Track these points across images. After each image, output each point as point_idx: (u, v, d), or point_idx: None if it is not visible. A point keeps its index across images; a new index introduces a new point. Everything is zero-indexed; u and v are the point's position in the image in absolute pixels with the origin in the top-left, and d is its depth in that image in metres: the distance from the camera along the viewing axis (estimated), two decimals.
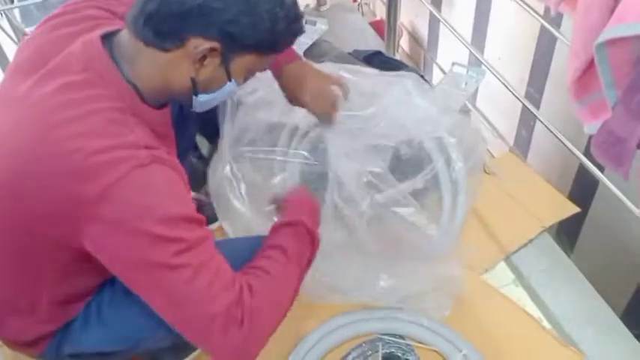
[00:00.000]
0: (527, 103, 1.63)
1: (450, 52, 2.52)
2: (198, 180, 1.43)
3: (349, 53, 1.79)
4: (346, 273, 1.38)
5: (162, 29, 0.88)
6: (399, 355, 1.35)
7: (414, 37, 2.88)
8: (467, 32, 2.32)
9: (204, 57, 0.90)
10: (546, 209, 1.68)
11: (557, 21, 1.66)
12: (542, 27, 1.63)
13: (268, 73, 1.28)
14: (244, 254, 1.04)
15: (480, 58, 1.70)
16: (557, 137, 1.49)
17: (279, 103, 1.35)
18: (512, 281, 1.54)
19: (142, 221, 0.84)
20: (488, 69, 1.63)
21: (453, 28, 1.83)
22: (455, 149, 1.32)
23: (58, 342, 1.08)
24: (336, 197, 1.27)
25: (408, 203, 1.27)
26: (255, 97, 1.40)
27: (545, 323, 1.44)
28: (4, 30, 2.02)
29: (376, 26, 2.53)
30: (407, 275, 1.41)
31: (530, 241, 1.61)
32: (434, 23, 2.64)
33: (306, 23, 1.82)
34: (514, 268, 1.57)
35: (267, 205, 1.25)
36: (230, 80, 0.96)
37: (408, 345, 1.36)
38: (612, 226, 1.83)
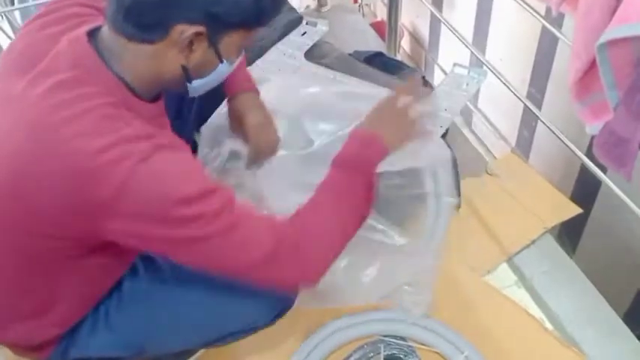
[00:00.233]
0: (528, 104, 1.63)
1: (451, 53, 2.52)
2: None
3: (350, 54, 1.78)
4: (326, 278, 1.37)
5: (144, 21, 0.86)
6: (401, 356, 1.34)
7: (415, 38, 2.88)
8: (468, 33, 2.31)
9: (191, 42, 0.88)
10: (548, 210, 1.67)
11: (558, 21, 1.66)
12: (544, 27, 1.62)
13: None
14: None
15: (482, 59, 1.70)
16: (559, 138, 1.49)
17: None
18: (514, 282, 1.53)
19: (161, 209, 0.86)
20: (489, 70, 1.63)
21: (454, 28, 1.83)
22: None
23: (64, 347, 1.07)
24: None
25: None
26: None
27: (548, 324, 1.44)
28: (4, 32, 2.02)
29: (377, 27, 2.53)
30: (384, 272, 1.40)
31: (533, 242, 1.61)
32: (435, 24, 2.64)
33: (306, 24, 1.83)
34: (516, 270, 1.56)
35: None
36: (222, 61, 0.95)
37: (409, 347, 1.36)
38: (615, 227, 1.82)
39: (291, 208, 1.02)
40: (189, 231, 0.88)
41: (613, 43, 0.94)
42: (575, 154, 1.46)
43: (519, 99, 1.64)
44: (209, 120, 1.39)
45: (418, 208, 1.44)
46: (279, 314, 1.16)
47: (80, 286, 1.03)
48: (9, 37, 2.03)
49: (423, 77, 1.71)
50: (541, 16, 1.52)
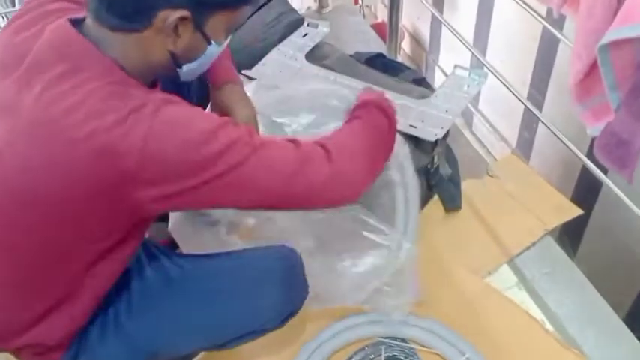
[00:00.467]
0: (529, 105, 1.63)
1: (452, 55, 2.52)
2: None
3: (351, 56, 1.78)
4: (317, 279, 1.36)
5: (127, 11, 0.86)
6: (402, 358, 1.34)
7: (416, 40, 2.88)
8: (469, 34, 2.32)
9: (176, 27, 0.88)
10: (549, 212, 1.67)
11: (559, 23, 1.66)
12: (544, 29, 1.62)
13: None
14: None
15: (482, 60, 1.70)
16: (559, 139, 1.49)
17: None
18: (515, 284, 1.53)
19: (187, 156, 0.86)
20: (490, 71, 1.63)
21: (455, 30, 1.83)
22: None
23: (74, 352, 1.06)
24: None
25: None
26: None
27: (548, 325, 1.44)
28: None
29: (378, 28, 2.53)
30: (370, 271, 1.38)
31: (533, 243, 1.61)
32: (436, 25, 2.64)
33: (308, 26, 1.84)
34: (517, 271, 1.56)
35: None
36: (210, 43, 0.94)
37: (410, 348, 1.35)
38: (615, 229, 1.82)
39: None
40: (222, 165, 0.88)
41: (614, 44, 0.94)
42: (576, 156, 1.46)
43: (520, 100, 1.64)
44: None
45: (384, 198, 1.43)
46: (288, 317, 1.15)
47: (94, 276, 1.01)
48: None
49: (424, 79, 1.70)
50: (542, 17, 1.53)
